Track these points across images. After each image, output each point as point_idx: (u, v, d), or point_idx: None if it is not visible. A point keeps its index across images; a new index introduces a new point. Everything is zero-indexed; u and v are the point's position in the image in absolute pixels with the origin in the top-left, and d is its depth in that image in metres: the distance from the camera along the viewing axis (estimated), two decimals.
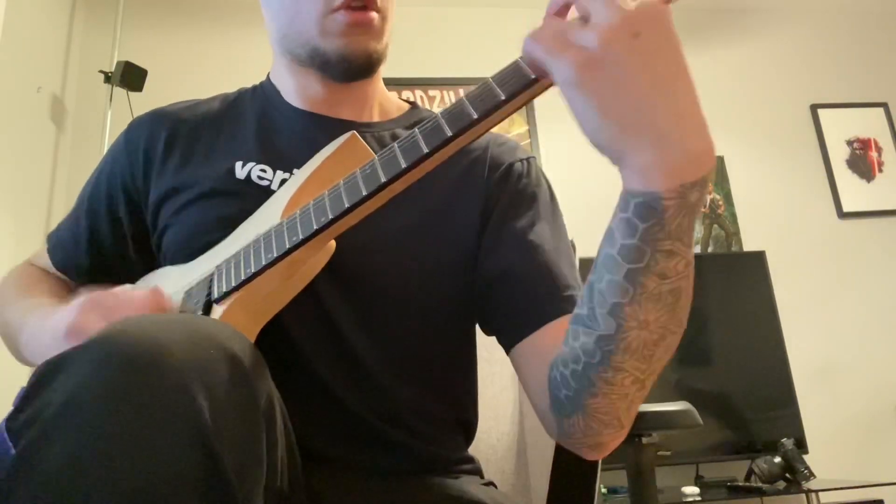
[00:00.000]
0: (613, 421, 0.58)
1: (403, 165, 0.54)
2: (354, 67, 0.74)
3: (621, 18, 0.44)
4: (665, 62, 0.46)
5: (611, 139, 0.46)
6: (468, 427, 0.79)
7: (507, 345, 0.71)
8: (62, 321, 0.62)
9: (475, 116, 0.51)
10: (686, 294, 0.53)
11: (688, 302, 0.54)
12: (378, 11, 0.73)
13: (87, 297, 0.62)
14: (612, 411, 0.57)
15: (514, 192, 0.77)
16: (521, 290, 0.70)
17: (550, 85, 0.50)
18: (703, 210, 3.03)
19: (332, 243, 0.66)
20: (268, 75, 0.85)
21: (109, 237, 0.82)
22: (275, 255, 0.59)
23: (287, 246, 0.59)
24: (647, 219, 0.47)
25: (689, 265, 0.51)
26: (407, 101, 0.88)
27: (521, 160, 0.80)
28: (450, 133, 0.52)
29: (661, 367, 0.57)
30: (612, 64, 0.44)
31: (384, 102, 0.85)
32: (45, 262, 0.87)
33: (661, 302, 0.51)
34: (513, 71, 0.51)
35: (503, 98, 0.50)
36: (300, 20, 0.74)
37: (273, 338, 0.64)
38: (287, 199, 0.66)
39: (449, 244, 0.73)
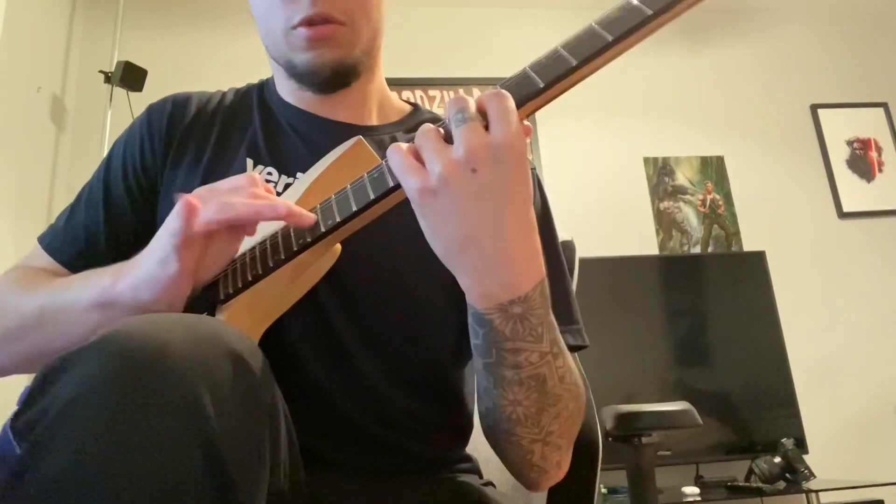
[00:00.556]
0: (532, 468, 0.63)
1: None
2: (323, 79, 0.75)
3: (465, 153, 0.48)
4: (496, 200, 0.49)
5: (442, 256, 0.53)
6: (464, 429, 0.80)
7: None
8: (168, 225, 0.57)
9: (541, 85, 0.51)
10: (552, 377, 0.57)
11: (560, 381, 0.58)
12: (342, 24, 0.72)
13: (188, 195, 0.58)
14: (524, 461, 0.63)
15: None
16: None
17: None
18: (702, 210, 3.04)
19: (338, 247, 0.66)
20: (272, 74, 0.86)
21: (129, 210, 0.79)
22: (282, 257, 0.59)
23: (294, 248, 0.59)
24: (481, 326, 0.54)
25: (543, 356, 0.55)
26: (409, 103, 0.88)
27: None
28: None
29: (568, 427, 0.62)
30: (446, 196, 0.49)
31: (384, 104, 0.84)
32: (39, 262, 0.81)
33: (524, 385, 0.56)
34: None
35: None
36: (272, 34, 0.75)
37: (272, 340, 0.64)
38: (293, 202, 0.66)
39: None
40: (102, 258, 0.77)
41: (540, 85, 0.51)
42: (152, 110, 0.82)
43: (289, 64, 0.75)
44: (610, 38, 0.49)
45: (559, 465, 0.65)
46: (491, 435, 0.64)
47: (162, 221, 0.70)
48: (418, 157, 0.51)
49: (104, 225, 0.79)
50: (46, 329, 0.67)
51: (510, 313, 0.52)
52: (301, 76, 0.75)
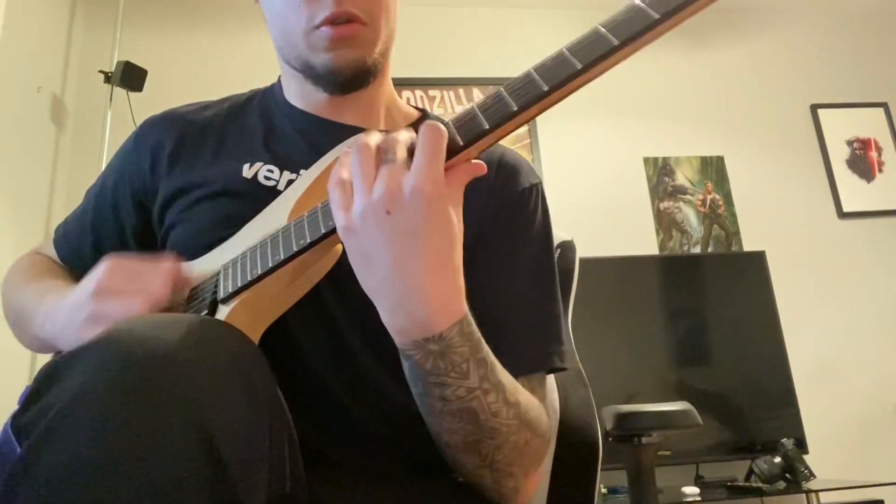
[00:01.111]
0: (487, 490, 0.64)
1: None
2: (343, 80, 0.74)
3: (381, 195, 0.50)
4: (408, 242, 0.50)
5: (364, 289, 0.54)
6: None
7: None
8: (88, 283, 0.63)
9: (487, 127, 0.51)
10: (484, 411, 0.57)
11: (493, 416, 0.58)
12: (364, 24, 0.72)
13: (110, 260, 0.64)
14: (479, 485, 0.64)
15: (507, 223, 0.76)
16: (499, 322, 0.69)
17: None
18: (702, 210, 3.04)
19: (340, 247, 0.66)
20: (278, 77, 0.86)
21: (114, 236, 0.83)
22: (282, 256, 0.59)
23: (295, 248, 0.59)
24: (405, 359, 0.56)
25: (470, 391, 0.56)
26: (417, 108, 0.88)
27: (524, 189, 0.79)
28: (461, 143, 0.52)
29: (516, 459, 0.63)
30: (364, 235, 0.51)
31: (392, 109, 0.84)
32: (52, 251, 0.88)
33: (457, 416, 0.57)
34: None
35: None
36: (289, 34, 0.74)
37: (274, 339, 0.64)
38: (294, 200, 0.66)
39: None
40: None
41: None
42: (143, 126, 0.84)
43: (306, 65, 0.74)
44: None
45: (516, 490, 0.65)
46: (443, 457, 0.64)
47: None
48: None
49: (90, 247, 0.84)
50: (25, 327, 0.77)
51: (428, 350, 0.54)
52: (319, 77, 0.75)
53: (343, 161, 0.54)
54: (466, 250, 0.73)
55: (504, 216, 0.76)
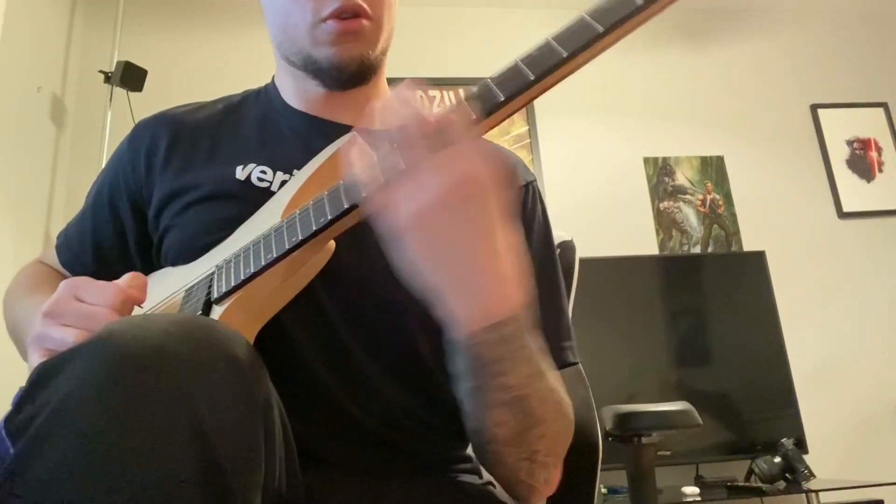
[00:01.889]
0: (520, 484, 0.64)
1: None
2: (346, 75, 0.74)
3: (437, 188, 0.49)
4: (466, 229, 0.50)
5: (422, 289, 0.53)
6: (464, 429, 0.79)
7: None
8: (44, 305, 0.62)
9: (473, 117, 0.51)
10: (535, 398, 0.58)
11: (541, 403, 0.59)
12: (369, 19, 0.72)
13: (66, 282, 0.62)
14: (512, 478, 0.63)
15: None
16: None
17: None
18: (702, 210, 3.04)
19: (332, 244, 0.66)
20: (273, 77, 0.86)
21: (112, 238, 0.83)
22: (274, 255, 0.59)
23: (287, 246, 0.59)
24: (466, 350, 0.54)
25: (529, 378, 0.56)
26: None
27: (521, 186, 0.79)
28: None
29: (554, 446, 0.63)
30: (426, 231, 0.50)
31: None
32: (54, 259, 0.88)
33: (508, 406, 0.56)
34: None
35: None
36: (292, 29, 0.74)
37: (270, 338, 0.63)
38: (287, 199, 0.66)
39: None
40: (99, 271, 0.83)
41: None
42: (136, 129, 0.84)
43: (308, 60, 0.74)
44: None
45: (547, 482, 0.65)
46: (478, 453, 0.64)
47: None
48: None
49: (91, 252, 0.84)
50: (20, 343, 0.77)
51: (496, 336, 0.53)
52: (322, 72, 0.75)
53: (373, 164, 0.53)
54: None
55: None
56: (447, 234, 0.50)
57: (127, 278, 0.61)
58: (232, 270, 0.62)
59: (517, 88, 0.51)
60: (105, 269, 0.84)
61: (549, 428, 0.60)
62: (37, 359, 0.60)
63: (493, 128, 0.55)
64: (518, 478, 0.63)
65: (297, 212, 0.61)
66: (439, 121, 0.50)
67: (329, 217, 0.58)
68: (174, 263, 0.75)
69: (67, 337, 0.58)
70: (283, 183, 0.73)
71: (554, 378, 0.62)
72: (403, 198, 0.50)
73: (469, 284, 0.52)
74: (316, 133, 0.78)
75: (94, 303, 0.60)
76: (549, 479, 0.65)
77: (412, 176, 0.50)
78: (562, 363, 0.74)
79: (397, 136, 0.51)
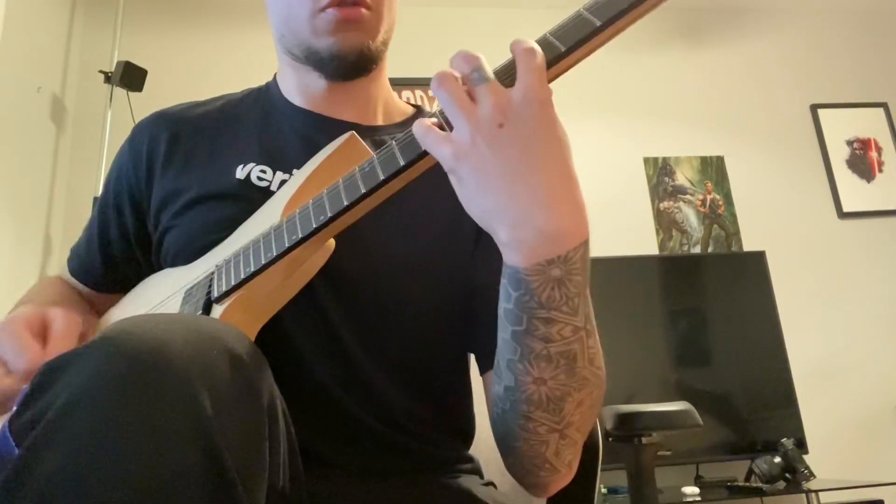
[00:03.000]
0: (544, 464, 0.60)
1: (402, 163, 0.55)
2: (347, 65, 0.74)
3: (488, 111, 0.49)
4: (526, 151, 0.49)
5: (479, 217, 0.52)
6: (465, 432, 0.79)
7: (480, 369, 0.73)
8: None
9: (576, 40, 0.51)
10: (583, 356, 0.55)
11: (590, 363, 0.56)
12: (369, 9, 0.72)
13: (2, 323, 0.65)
14: (537, 455, 0.60)
15: None
16: (485, 321, 0.67)
17: None
18: (702, 210, 3.04)
19: (332, 242, 0.66)
20: (274, 76, 0.86)
21: (118, 241, 0.83)
22: (274, 254, 0.59)
23: (287, 245, 0.59)
24: (516, 288, 0.52)
25: (576, 331, 0.53)
26: (412, 105, 0.88)
27: None
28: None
29: (587, 418, 0.60)
30: (476, 155, 0.49)
31: (388, 106, 0.84)
32: (66, 270, 0.90)
33: (552, 362, 0.54)
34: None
35: None
36: (293, 20, 0.74)
37: (271, 338, 0.64)
38: (287, 199, 0.66)
39: (445, 251, 0.73)
40: (108, 276, 0.87)
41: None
42: (135, 130, 0.84)
43: (309, 50, 0.74)
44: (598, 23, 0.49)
45: (570, 466, 0.62)
46: (504, 422, 0.60)
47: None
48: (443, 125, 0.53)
49: (99, 256, 0.85)
50: None
51: (548, 276, 0.50)
52: (323, 61, 0.75)
53: (419, 122, 0.53)
54: (472, 236, 0.73)
55: None
56: (503, 153, 0.49)
57: (55, 327, 0.64)
58: (232, 270, 0.62)
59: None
60: (113, 271, 0.85)
61: (588, 394, 0.57)
62: None
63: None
64: (543, 455, 0.60)
65: (297, 211, 0.61)
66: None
67: (329, 215, 0.58)
68: (174, 263, 0.75)
69: None
70: (283, 182, 0.73)
71: (598, 340, 0.59)
72: (459, 123, 0.50)
73: (529, 211, 0.49)
74: (317, 130, 0.78)
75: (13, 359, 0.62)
76: (573, 461, 0.62)
77: (462, 107, 0.50)
78: None
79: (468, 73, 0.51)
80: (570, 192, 0.50)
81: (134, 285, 0.81)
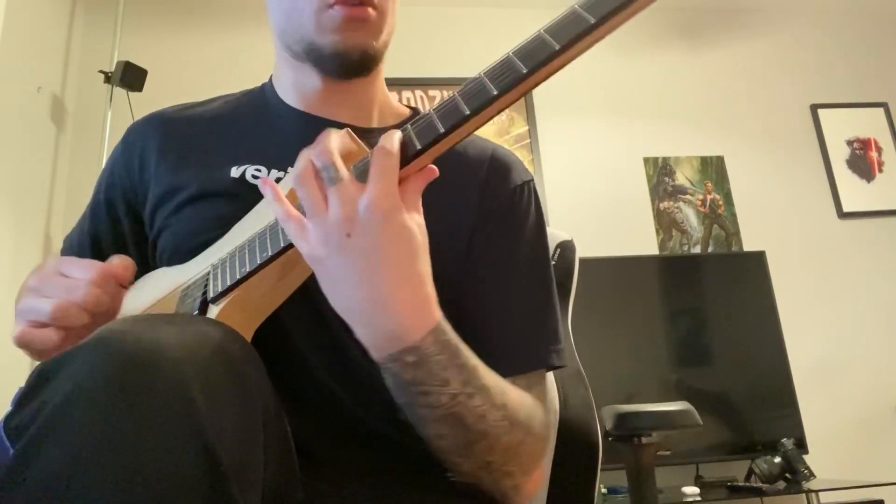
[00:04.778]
0: (490, 490, 0.64)
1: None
2: (349, 63, 0.74)
3: (337, 220, 0.51)
4: (370, 258, 0.52)
5: (339, 312, 0.55)
6: None
7: None
8: (30, 280, 0.66)
9: (467, 112, 0.51)
10: (471, 415, 0.58)
11: (481, 420, 0.59)
12: (375, 8, 0.72)
13: (49, 259, 0.67)
14: (481, 484, 0.64)
15: (500, 221, 0.76)
16: (472, 336, 0.67)
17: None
18: (702, 210, 3.04)
19: None
20: (270, 77, 0.86)
21: (111, 241, 0.83)
22: (270, 253, 0.59)
23: (282, 244, 0.59)
24: (385, 372, 0.56)
25: (454, 397, 0.57)
26: (409, 107, 0.88)
27: (516, 186, 0.79)
28: (442, 130, 0.52)
29: (514, 456, 0.63)
30: (329, 261, 0.52)
31: (384, 108, 0.84)
32: None
33: (444, 422, 0.57)
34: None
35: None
36: (297, 15, 0.74)
37: (268, 336, 0.63)
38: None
39: (442, 250, 0.73)
40: None
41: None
42: (129, 131, 0.84)
43: (311, 47, 0.74)
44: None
45: (516, 489, 0.65)
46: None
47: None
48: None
49: (91, 256, 0.84)
50: None
51: (405, 362, 0.54)
52: (324, 59, 0.74)
53: (282, 194, 0.55)
54: (462, 250, 0.73)
55: (497, 214, 0.76)
56: (350, 262, 0.52)
57: (113, 258, 0.64)
58: (227, 269, 0.62)
59: (512, 82, 0.50)
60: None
61: (496, 441, 0.60)
62: (20, 331, 0.64)
63: (483, 125, 0.54)
64: (483, 485, 0.64)
65: None
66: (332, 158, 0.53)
67: None
68: (170, 263, 0.75)
69: (46, 307, 0.62)
70: (278, 181, 0.73)
71: (501, 392, 0.61)
72: (315, 227, 0.52)
73: (372, 313, 0.53)
74: (312, 131, 0.77)
75: (76, 277, 0.62)
76: (518, 486, 0.65)
77: (316, 212, 0.52)
78: (546, 366, 0.73)
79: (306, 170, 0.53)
80: (413, 291, 0.54)
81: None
